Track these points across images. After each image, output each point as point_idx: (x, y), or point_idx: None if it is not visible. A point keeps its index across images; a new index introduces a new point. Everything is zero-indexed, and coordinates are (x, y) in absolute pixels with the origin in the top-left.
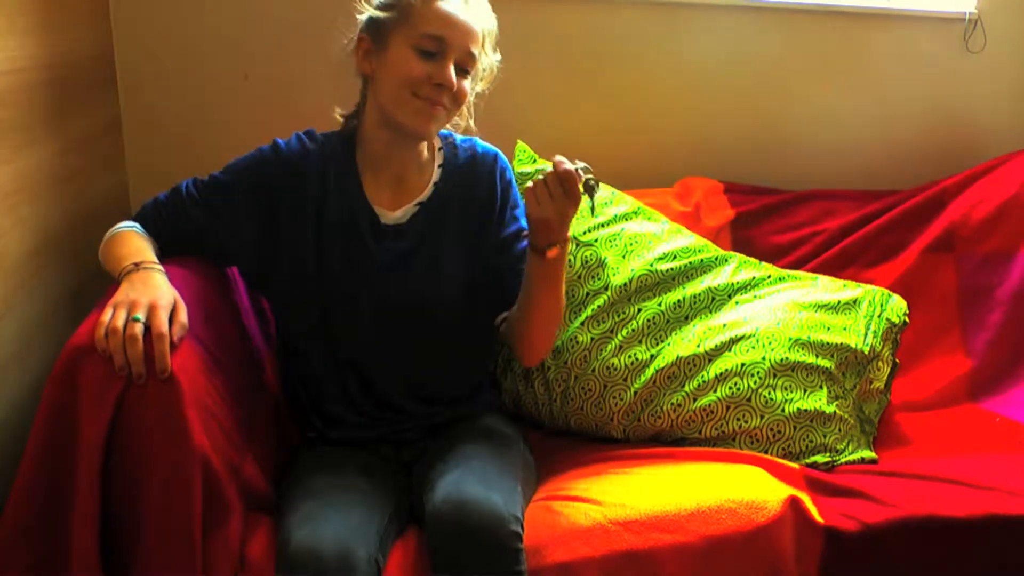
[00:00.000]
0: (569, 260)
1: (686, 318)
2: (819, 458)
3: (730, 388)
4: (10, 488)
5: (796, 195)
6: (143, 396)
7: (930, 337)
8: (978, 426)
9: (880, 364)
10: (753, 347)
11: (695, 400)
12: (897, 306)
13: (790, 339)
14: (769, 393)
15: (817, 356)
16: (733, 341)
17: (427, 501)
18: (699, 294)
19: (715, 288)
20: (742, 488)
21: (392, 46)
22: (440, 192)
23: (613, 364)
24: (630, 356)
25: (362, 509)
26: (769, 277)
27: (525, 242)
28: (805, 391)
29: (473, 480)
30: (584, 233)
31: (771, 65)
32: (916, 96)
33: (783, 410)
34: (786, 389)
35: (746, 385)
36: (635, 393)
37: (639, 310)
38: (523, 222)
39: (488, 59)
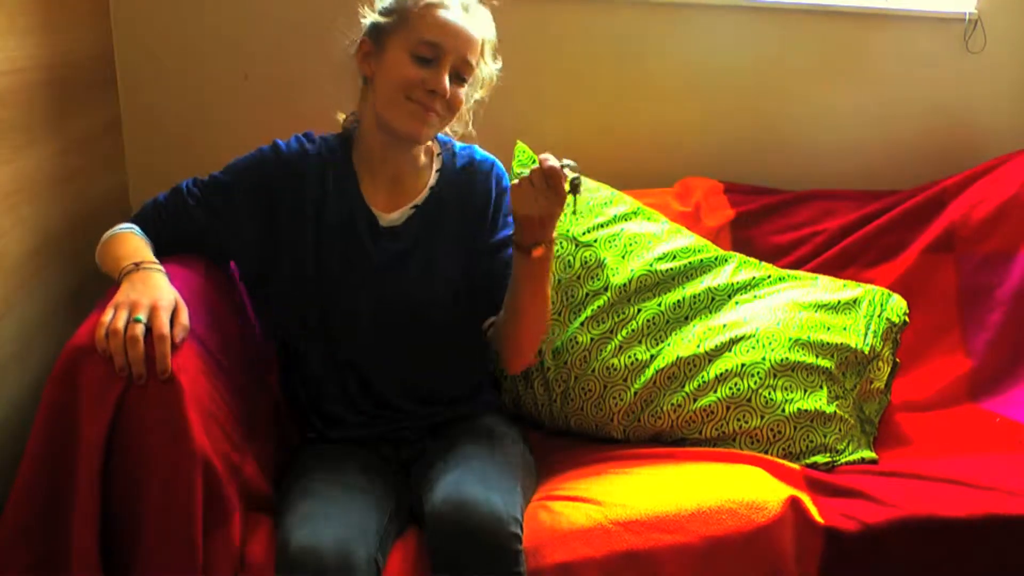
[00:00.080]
0: (569, 260)
1: (686, 318)
2: (819, 458)
3: (730, 388)
4: (10, 488)
5: (796, 195)
6: (143, 396)
7: (930, 337)
8: (978, 426)
9: (880, 364)
10: (753, 347)
11: (695, 400)
12: (897, 306)
13: (790, 339)
14: (769, 393)
15: (817, 356)
16: (733, 341)
17: (427, 501)
18: (699, 294)
19: (715, 288)
20: (742, 488)
21: (390, 50)
22: (436, 196)
23: (613, 364)
24: (630, 356)
25: (362, 509)
26: (769, 277)
27: None
28: (805, 391)
29: (473, 480)
30: (584, 233)
31: (771, 65)
32: (916, 96)
33: (783, 410)
34: (786, 389)
35: (746, 385)
36: (635, 393)
37: (639, 310)
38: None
39: (488, 68)
